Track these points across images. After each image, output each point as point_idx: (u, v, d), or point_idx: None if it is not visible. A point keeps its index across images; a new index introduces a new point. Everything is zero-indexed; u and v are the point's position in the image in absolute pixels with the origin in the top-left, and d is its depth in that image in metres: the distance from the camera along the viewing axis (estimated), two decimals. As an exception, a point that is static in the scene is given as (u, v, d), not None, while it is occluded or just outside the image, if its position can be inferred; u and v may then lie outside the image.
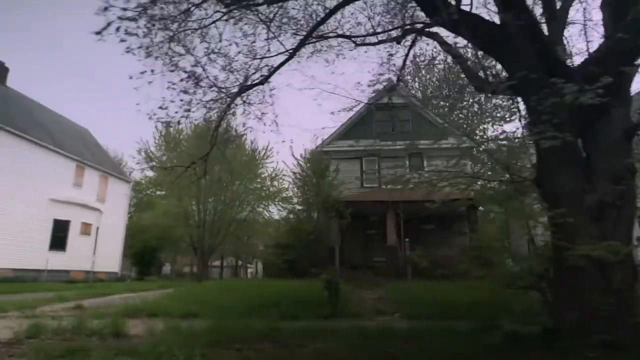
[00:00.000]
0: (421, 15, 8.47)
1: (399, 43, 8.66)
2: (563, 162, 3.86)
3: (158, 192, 40.06)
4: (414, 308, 7.33)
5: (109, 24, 4.82)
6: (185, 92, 5.71)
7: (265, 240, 43.68)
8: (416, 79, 29.60)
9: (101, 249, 21.92)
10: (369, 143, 18.85)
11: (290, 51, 6.08)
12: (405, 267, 14.57)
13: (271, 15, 5.87)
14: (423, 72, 30.15)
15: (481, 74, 6.69)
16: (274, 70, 6.05)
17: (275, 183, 37.22)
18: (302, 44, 6.26)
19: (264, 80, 6.06)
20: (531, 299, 4.40)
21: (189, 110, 5.91)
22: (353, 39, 8.94)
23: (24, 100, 21.43)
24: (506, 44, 4.24)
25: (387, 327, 4.84)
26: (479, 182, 8.10)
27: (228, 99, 6.15)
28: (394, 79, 8.52)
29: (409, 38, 7.83)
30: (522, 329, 3.18)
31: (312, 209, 14.28)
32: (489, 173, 6.94)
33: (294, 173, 17.58)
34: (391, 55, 8.62)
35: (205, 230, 22.63)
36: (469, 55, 8.67)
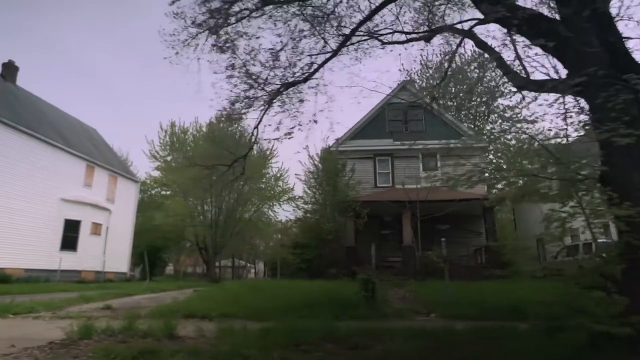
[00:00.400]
0: (451, 13, 8.44)
1: (428, 41, 8.59)
2: (636, 160, 3.80)
3: (163, 192, 40.11)
4: (448, 308, 7.24)
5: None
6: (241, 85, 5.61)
7: (269, 241, 43.82)
8: (428, 79, 29.54)
9: (110, 249, 21.81)
10: (382, 143, 18.81)
11: (333, 49, 6.00)
12: (418, 266, 14.49)
13: (315, 13, 5.80)
14: (430, 71, 30.15)
15: (522, 73, 6.61)
16: (317, 68, 5.97)
17: (280, 183, 37.36)
18: (345, 41, 6.18)
19: (308, 76, 5.98)
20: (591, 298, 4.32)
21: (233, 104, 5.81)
22: (380, 37, 8.88)
23: (34, 99, 21.30)
24: (569, 39, 4.18)
25: (443, 328, 4.76)
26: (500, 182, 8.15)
27: (268, 96, 6.05)
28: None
29: (447, 37, 7.72)
30: (612, 329, 3.10)
31: (328, 209, 14.16)
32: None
33: (310, 172, 17.51)
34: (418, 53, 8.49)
35: (217, 230, 22.44)
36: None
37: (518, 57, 7.26)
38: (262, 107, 6.18)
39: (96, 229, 20.73)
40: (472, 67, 30.01)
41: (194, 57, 9.73)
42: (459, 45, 7.05)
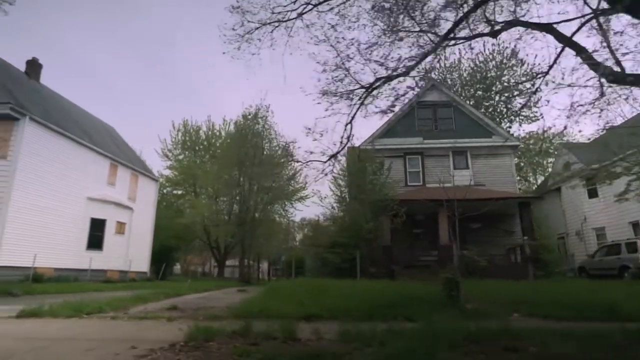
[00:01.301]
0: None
1: (494, 37, 8.44)
2: None
3: (175, 191, 39.89)
4: (531, 308, 7.09)
5: None
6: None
7: (287, 239, 43.64)
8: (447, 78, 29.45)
9: (133, 249, 21.63)
10: (412, 141, 18.69)
11: (433, 44, 5.85)
12: (458, 265, 14.31)
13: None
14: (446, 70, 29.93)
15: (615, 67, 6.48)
16: (416, 63, 5.82)
17: (292, 182, 37.18)
18: (446, 37, 6.02)
19: (406, 72, 5.82)
20: None
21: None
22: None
23: (57, 97, 21.09)
24: None
25: (567, 329, 4.61)
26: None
27: (363, 92, 5.90)
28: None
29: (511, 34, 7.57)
30: None
31: (368, 208, 14.00)
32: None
33: (342, 171, 17.36)
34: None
35: (247, 229, 22.20)
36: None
37: (611, 51, 7.11)
38: (355, 102, 6.03)
39: (120, 228, 20.54)
40: (491, 66, 29.88)
41: (255, 51, 9.58)
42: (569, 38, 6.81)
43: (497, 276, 13.20)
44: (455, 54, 32.66)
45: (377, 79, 5.83)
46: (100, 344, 4.52)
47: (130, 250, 21.35)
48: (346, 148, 7.22)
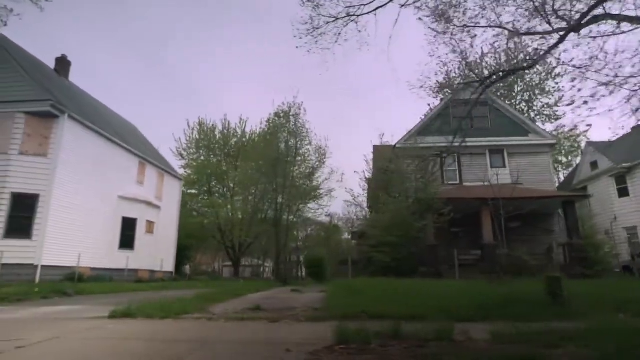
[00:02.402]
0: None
1: (576, 32, 8.29)
2: None
3: (189, 191, 39.66)
4: (635, 308, 6.93)
5: None
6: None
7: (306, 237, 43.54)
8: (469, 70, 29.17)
9: (160, 248, 21.46)
10: (448, 140, 18.47)
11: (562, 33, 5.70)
12: (505, 264, 14.19)
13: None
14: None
15: None
16: (544, 54, 5.68)
17: (307, 181, 36.99)
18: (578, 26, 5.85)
19: (532, 64, 5.67)
20: None
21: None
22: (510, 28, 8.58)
23: (86, 95, 20.88)
24: None
25: None
26: None
27: (482, 84, 5.74)
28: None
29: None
30: None
31: (416, 207, 13.84)
32: None
33: (382, 169, 17.20)
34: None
35: (282, 228, 21.95)
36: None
37: None
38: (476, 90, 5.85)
39: (150, 227, 20.35)
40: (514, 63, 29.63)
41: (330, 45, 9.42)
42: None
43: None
44: (477, 52, 32.45)
45: (492, 73, 5.68)
46: (245, 348, 4.35)
47: (158, 249, 21.18)
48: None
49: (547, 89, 27.98)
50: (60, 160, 14.76)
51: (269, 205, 22.33)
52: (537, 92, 28.66)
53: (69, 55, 22.14)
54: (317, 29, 9.25)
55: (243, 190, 29.77)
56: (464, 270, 14.78)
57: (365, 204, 24.44)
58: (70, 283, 13.05)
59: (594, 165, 23.45)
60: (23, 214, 13.81)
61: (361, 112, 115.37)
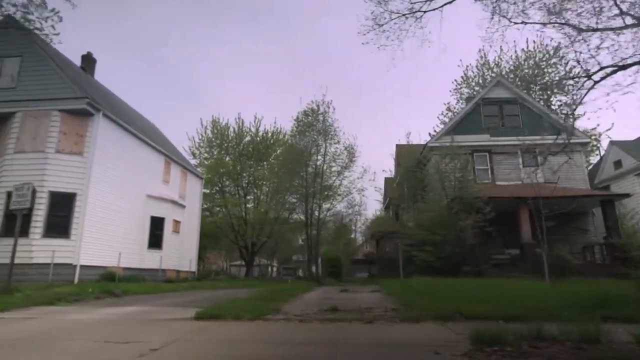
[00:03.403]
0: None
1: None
2: None
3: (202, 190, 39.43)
4: None
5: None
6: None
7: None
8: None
9: (185, 248, 21.31)
10: (479, 138, 18.44)
11: None
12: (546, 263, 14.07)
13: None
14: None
15: None
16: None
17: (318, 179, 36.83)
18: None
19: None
20: None
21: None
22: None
23: (111, 93, 20.66)
24: None
25: None
26: None
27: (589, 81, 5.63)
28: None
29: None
30: None
31: (458, 206, 13.73)
32: None
33: (415, 168, 17.08)
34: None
35: (311, 228, 21.75)
36: None
37: None
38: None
39: (176, 226, 20.18)
40: (531, 64, 29.54)
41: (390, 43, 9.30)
42: None
43: (591, 275, 12.96)
44: (496, 51, 32.42)
45: (602, 68, 5.57)
46: (381, 350, 4.21)
47: (183, 249, 21.03)
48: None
49: (566, 88, 27.92)
50: (96, 158, 14.57)
51: (298, 205, 21.96)
52: (555, 90, 28.61)
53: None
54: (381, 25, 9.13)
55: (257, 188, 29.52)
56: (502, 269, 14.68)
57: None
58: (112, 283, 12.87)
59: (618, 164, 23.40)
60: (61, 213, 13.62)
61: (362, 111, 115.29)
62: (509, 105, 18.74)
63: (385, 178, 30.00)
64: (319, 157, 20.89)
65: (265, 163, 37.40)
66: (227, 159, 36.51)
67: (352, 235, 53.50)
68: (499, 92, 18.89)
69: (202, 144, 37.79)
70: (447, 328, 5.47)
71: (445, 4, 8.88)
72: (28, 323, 6.06)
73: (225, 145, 36.93)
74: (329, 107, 21.37)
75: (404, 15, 9.04)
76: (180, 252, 20.56)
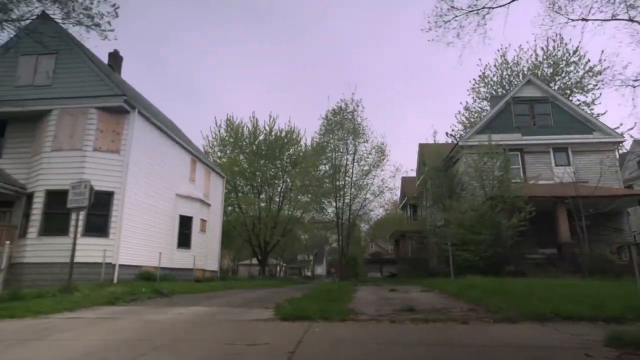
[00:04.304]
0: None
1: None
2: None
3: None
4: None
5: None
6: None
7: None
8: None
9: (210, 247, 21.22)
10: (510, 137, 18.33)
11: None
12: (587, 263, 13.98)
13: None
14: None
15: None
16: None
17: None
18: None
19: None
20: None
21: None
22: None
23: (136, 91, 20.51)
24: None
25: None
26: None
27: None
28: None
29: None
30: None
31: (501, 205, 13.61)
32: None
33: (443, 167, 16.93)
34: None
35: (343, 228, 21.56)
36: None
37: None
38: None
39: (203, 225, 20.06)
40: (549, 63, 29.45)
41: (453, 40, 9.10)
42: None
43: (631, 275, 12.86)
44: (515, 50, 32.32)
45: None
46: (519, 352, 4.11)
47: (208, 248, 20.94)
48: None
49: (586, 87, 27.88)
50: (132, 156, 14.45)
51: (328, 204, 21.60)
52: (575, 89, 28.54)
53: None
54: (447, 22, 9.03)
55: (271, 187, 29.27)
56: (542, 268, 14.57)
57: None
58: (153, 283, 12.77)
59: (641, 163, 23.37)
60: (99, 212, 13.47)
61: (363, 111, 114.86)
62: (540, 104, 18.64)
63: (402, 177, 29.88)
64: (349, 157, 20.75)
65: (278, 162, 37.29)
66: (241, 157, 36.39)
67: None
68: (529, 90, 18.80)
69: (215, 143, 37.67)
70: (552, 329, 5.36)
71: (512, 1, 8.74)
72: (118, 323, 5.94)
73: (240, 144, 36.77)
74: (357, 106, 21.24)
75: (470, 11, 8.92)
76: (206, 251, 20.47)
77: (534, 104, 18.60)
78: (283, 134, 36.62)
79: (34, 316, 6.58)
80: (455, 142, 33.69)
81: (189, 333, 5.01)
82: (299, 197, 37.97)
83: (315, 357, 3.85)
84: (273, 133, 36.82)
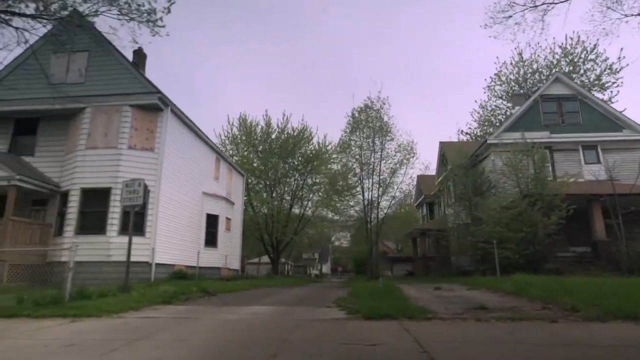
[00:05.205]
0: None
1: None
2: None
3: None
4: None
5: None
6: None
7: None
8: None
9: (233, 245, 21.14)
10: (538, 135, 18.23)
11: None
12: (626, 261, 13.89)
13: None
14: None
15: None
16: None
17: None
18: None
19: None
20: None
21: None
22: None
23: (160, 89, 20.39)
24: None
25: None
26: None
27: None
28: None
29: None
30: None
31: (540, 202, 13.51)
32: None
33: (469, 165, 16.79)
34: None
35: (371, 226, 21.38)
36: None
37: None
38: None
39: (227, 224, 19.98)
40: (567, 62, 29.31)
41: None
42: None
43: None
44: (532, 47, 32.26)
45: None
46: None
47: (232, 247, 20.87)
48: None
49: (605, 85, 27.81)
50: (165, 154, 14.34)
51: (348, 202, 21.36)
52: (593, 87, 28.47)
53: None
54: (510, 17, 8.92)
55: (285, 186, 29.11)
56: (577, 267, 14.48)
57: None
58: (190, 282, 12.68)
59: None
60: (136, 211, 13.35)
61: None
62: (568, 101, 18.55)
63: (417, 176, 29.77)
64: (376, 155, 20.64)
65: (290, 160, 37.24)
66: (252, 155, 36.35)
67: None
68: (557, 88, 18.70)
69: (227, 142, 37.55)
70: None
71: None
72: (202, 323, 5.84)
73: (253, 142, 36.68)
74: (384, 104, 21.09)
75: (532, 7, 8.79)
76: (230, 250, 20.39)
77: (562, 101, 18.51)
78: (296, 132, 36.55)
79: (108, 315, 6.48)
80: (472, 140, 33.81)
81: (292, 333, 4.91)
82: (311, 195, 38.07)
83: (459, 357, 3.75)
84: (286, 132, 36.77)
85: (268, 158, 35.84)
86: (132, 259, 12.79)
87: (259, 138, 36.60)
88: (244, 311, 7.38)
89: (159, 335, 4.81)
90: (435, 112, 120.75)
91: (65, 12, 10.42)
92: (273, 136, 37.05)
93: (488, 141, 18.20)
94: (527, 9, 8.49)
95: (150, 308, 7.75)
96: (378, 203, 21.17)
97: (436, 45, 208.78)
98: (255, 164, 35.75)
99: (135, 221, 13.27)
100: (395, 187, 23.43)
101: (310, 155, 36.76)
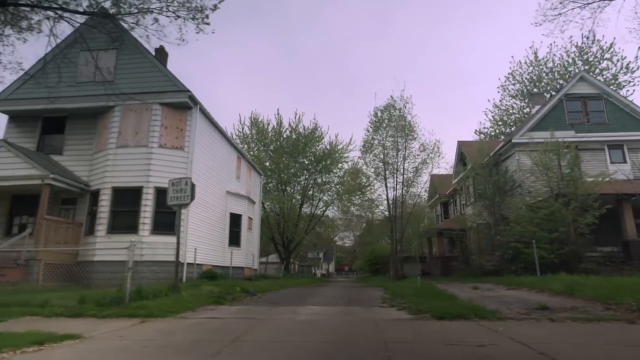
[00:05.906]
0: None
1: None
2: None
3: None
4: None
5: None
6: None
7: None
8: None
9: (253, 245, 21.05)
10: (563, 135, 18.09)
11: None
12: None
13: None
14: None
15: None
16: None
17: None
18: None
19: None
20: None
21: None
22: None
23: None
24: None
25: None
26: None
27: None
28: None
29: None
30: None
31: (575, 202, 13.40)
32: None
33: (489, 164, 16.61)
34: None
35: (396, 224, 21.23)
36: None
37: None
38: None
39: (250, 223, 19.89)
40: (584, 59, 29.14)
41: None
42: None
43: None
44: (549, 47, 32.14)
45: None
46: None
47: (253, 246, 20.79)
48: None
49: (622, 84, 27.72)
50: (195, 153, 14.25)
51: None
52: (610, 87, 28.36)
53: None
54: (560, 14, 8.82)
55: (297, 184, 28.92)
56: (609, 266, 14.36)
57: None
58: (221, 282, 12.60)
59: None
60: (166, 210, 13.22)
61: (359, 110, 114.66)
62: (594, 100, 18.43)
63: (431, 175, 29.64)
64: (399, 154, 20.51)
65: (301, 158, 37.18)
66: (263, 155, 36.30)
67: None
68: (582, 87, 18.59)
69: (238, 140, 37.44)
70: None
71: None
72: (278, 324, 5.76)
73: (265, 141, 36.61)
74: (407, 102, 20.97)
75: (586, 4, 8.69)
76: (251, 249, 20.30)
77: (587, 100, 18.40)
78: (307, 132, 36.49)
79: (172, 316, 6.41)
80: (486, 138, 33.70)
81: (382, 333, 4.82)
82: (321, 195, 38.09)
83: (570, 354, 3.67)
84: (297, 130, 36.70)
85: (280, 157, 35.72)
86: (164, 258, 12.81)
87: (271, 137, 36.54)
88: (303, 311, 7.30)
89: (248, 337, 4.72)
90: (435, 112, 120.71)
91: (114, 10, 10.27)
92: (284, 135, 37.00)
93: (513, 140, 18.09)
94: (580, 5, 8.37)
95: (204, 308, 7.67)
96: (402, 202, 21.04)
97: (437, 46, 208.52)
98: (267, 163, 35.67)
99: (168, 221, 13.28)
100: (421, 187, 23.32)
101: (321, 155, 36.74)
